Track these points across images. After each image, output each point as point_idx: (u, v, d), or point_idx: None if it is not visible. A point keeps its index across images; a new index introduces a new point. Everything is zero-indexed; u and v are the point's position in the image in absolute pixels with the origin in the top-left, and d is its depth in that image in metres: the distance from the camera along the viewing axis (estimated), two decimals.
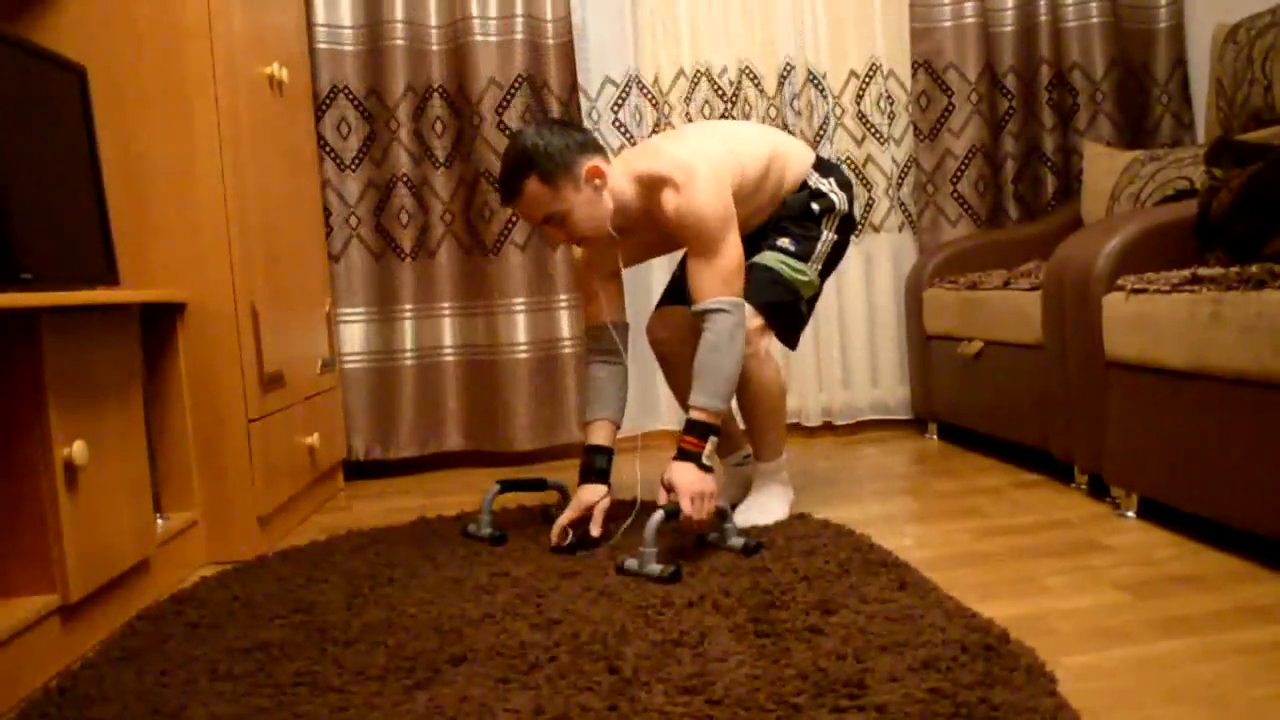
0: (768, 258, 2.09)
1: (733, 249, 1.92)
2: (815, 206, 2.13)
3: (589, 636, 1.45)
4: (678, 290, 2.23)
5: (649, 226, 2.06)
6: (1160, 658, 1.33)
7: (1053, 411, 2.32)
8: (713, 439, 1.88)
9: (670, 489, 1.84)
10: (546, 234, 1.97)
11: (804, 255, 2.11)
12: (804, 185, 2.15)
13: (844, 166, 2.52)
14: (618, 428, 2.08)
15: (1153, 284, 1.90)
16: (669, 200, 1.92)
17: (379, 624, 1.59)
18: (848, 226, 2.18)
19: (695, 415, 1.88)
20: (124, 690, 1.38)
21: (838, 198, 2.15)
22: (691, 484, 1.82)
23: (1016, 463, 2.67)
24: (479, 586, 1.75)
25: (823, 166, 2.18)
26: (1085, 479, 2.28)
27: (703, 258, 1.92)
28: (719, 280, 1.90)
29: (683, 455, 1.86)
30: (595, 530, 1.95)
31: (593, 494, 1.97)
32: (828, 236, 2.14)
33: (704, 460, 1.86)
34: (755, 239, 2.14)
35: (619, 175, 1.98)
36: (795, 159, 2.16)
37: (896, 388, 3.35)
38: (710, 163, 1.95)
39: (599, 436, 2.05)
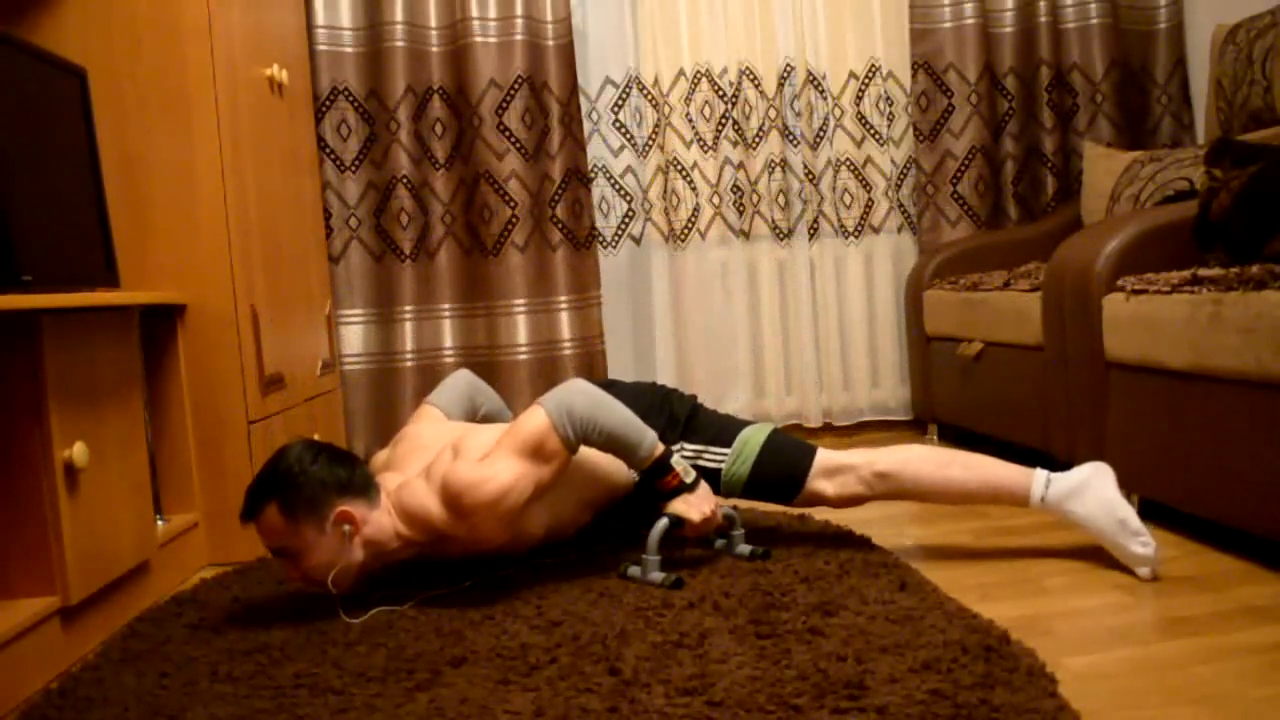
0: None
1: (511, 474, 1.63)
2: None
3: (589, 638, 1.45)
4: None
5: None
6: (1161, 658, 1.33)
7: (1053, 412, 2.32)
8: (675, 461, 1.77)
9: (677, 525, 1.77)
10: (277, 565, 1.69)
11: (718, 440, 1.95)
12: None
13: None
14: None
15: (1153, 285, 1.90)
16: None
17: (379, 625, 1.59)
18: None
19: (641, 468, 1.77)
20: (124, 692, 1.38)
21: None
22: (688, 510, 1.75)
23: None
24: (479, 588, 1.75)
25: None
26: None
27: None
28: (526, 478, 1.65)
29: (668, 495, 1.77)
30: None
31: None
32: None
33: (686, 484, 1.77)
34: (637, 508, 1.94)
35: (385, 519, 1.70)
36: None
37: (897, 389, 3.35)
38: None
39: None
